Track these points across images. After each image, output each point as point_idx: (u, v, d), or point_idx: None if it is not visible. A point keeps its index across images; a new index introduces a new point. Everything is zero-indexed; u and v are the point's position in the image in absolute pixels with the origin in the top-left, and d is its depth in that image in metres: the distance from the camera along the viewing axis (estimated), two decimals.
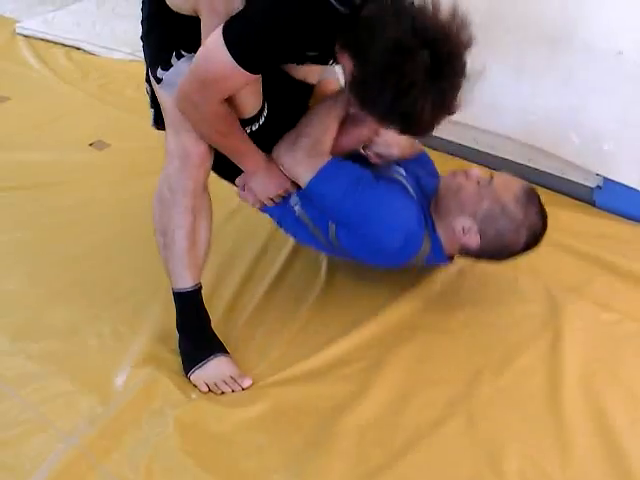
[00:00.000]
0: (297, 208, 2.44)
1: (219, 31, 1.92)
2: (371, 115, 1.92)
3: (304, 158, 2.32)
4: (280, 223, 2.54)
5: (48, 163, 3.43)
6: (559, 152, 2.87)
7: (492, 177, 2.36)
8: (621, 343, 2.43)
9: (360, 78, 1.85)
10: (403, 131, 1.95)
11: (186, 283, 2.32)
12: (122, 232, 2.96)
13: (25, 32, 4.80)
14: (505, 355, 2.40)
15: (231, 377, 2.28)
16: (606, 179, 3.02)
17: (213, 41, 1.95)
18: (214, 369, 2.29)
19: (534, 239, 2.36)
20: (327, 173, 2.31)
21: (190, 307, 2.37)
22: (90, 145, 3.56)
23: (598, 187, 3.02)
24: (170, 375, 2.32)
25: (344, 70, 1.97)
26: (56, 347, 2.44)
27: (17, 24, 4.90)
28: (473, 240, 2.34)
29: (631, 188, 2.94)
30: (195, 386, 2.28)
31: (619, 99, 2.83)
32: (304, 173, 2.32)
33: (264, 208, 2.50)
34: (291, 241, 2.82)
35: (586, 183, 3.05)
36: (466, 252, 2.42)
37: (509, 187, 2.34)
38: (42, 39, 4.73)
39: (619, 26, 2.71)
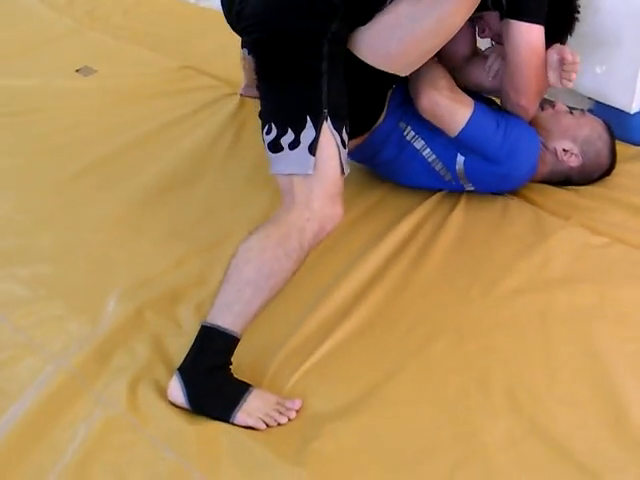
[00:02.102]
0: (418, 144, 2.63)
1: (526, 27, 2.44)
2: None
3: (454, 100, 2.53)
4: (389, 163, 2.68)
5: (34, 89, 3.40)
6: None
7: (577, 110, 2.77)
8: (610, 265, 2.43)
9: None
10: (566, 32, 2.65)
11: (237, 328, 2.04)
12: (109, 157, 2.94)
13: None
14: (494, 275, 2.40)
15: (278, 403, 2.04)
16: (597, 102, 3.01)
17: (529, 33, 2.45)
18: (258, 401, 2.03)
19: (613, 165, 2.77)
20: (478, 115, 2.53)
21: (224, 350, 2.06)
22: (76, 71, 3.52)
23: (590, 110, 3.01)
24: (162, 297, 2.32)
25: None
26: (46, 271, 2.43)
27: None
28: (574, 160, 2.67)
29: (622, 111, 2.92)
30: (249, 427, 1.99)
31: (612, 22, 2.80)
32: (459, 118, 2.52)
33: (385, 146, 2.62)
34: None
35: (577, 106, 3.03)
36: (559, 174, 2.72)
37: (596, 119, 2.75)
38: None
39: None
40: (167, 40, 3.81)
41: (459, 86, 2.60)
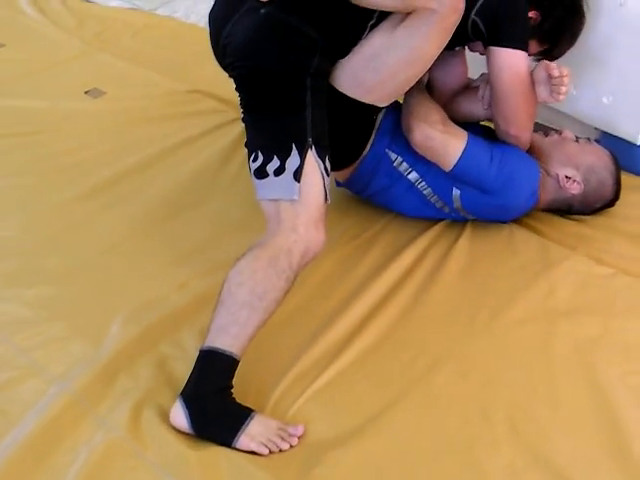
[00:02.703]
0: (413, 176, 2.61)
1: (509, 53, 2.44)
2: (550, 51, 2.64)
3: (447, 134, 2.51)
4: (383, 193, 2.67)
5: (43, 110, 3.40)
6: (557, 105, 2.86)
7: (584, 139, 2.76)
8: (614, 296, 2.44)
9: (551, 23, 2.57)
10: (564, 50, 2.67)
11: (235, 349, 2.05)
12: (116, 179, 2.94)
13: None
14: (498, 305, 2.40)
15: (280, 429, 2.03)
16: (604, 133, 3.01)
17: (510, 58, 2.45)
18: (260, 426, 2.02)
19: (617, 196, 2.74)
20: (471, 149, 2.51)
21: (225, 372, 2.07)
22: (86, 93, 3.53)
23: (596, 141, 3.01)
24: (165, 321, 2.32)
25: None
26: (50, 293, 2.43)
27: None
28: (576, 187, 2.64)
29: (628, 142, 2.93)
30: (251, 452, 1.99)
31: (620, 52, 2.81)
32: (452, 152, 2.50)
33: (375, 176, 2.62)
34: None
35: (584, 137, 3.03)
36: (561, 202, 2.69)
37: (603, 149, 2.73)
38: None
39: None
40: (175, 63, 3.82)
41: (454, 119, 2.60)
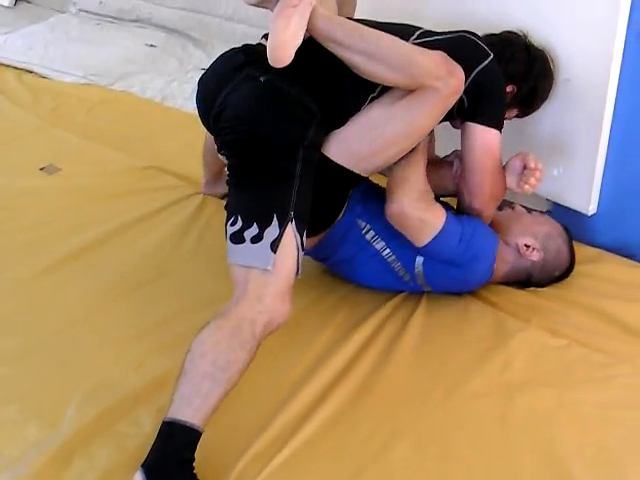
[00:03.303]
0: (379, 245, 2.63)
1: (484, 130, 2.54)
2: (532, 108, 2.81)
3: (426, 211, 2.54)
4: (347, 261, 2.69)
5: None
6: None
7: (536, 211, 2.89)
8: (569, 368, 2.45)
9: (526, 91, 2.73)
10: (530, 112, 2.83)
11: (197, 421, 2.02)
12: (72, 256, 2.93)
13: None
14: (454, 379, 2.41)
15: None
16: (555, 204, 3.06)
17: (485, 135, 2.55)
18: None
19: (572, 265, 2.79)
20: (444, 230, 2.53)
21: (187, 445, 2.03)
22: (41, 169, 3.52)
23: (547, 212, 3.06)
24: (123, 401, 2.29)
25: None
26: (4, 373, 2.40)
27: None
28: (536, 254, 2.68)
29: (579, 212, 2.97)
30: None
31: (568, 124, 2.87)
32: (429, 230, 2.52)
33: (343, 243, 2.65)
34: None
35: (536, 208, 3.08)
36: (520, 271, 2.73)
37: (554, 220, 2.82)
38: None
39: (566, 53, 2.76)
40: (131, 139, 3.82)
41: None
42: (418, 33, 2.58)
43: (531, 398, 2.34)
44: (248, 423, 2.24)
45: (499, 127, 2.57)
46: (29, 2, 5.67)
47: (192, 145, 3.42)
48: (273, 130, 2.35)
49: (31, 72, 4.58)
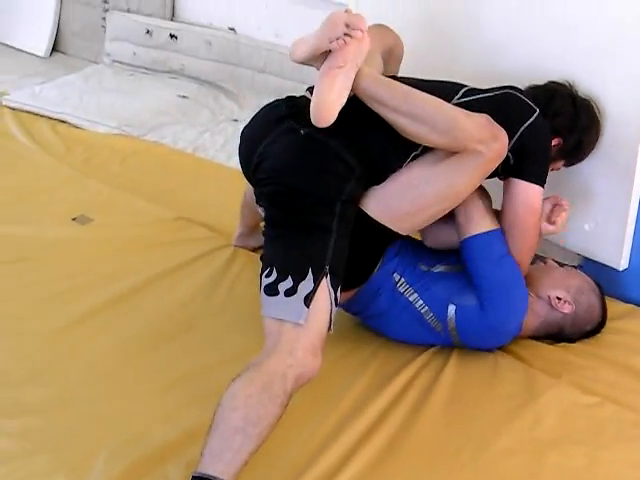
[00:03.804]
0: (412, 297, 2.62)
1: (527, 186, 2.57)
2: (579, 158, 2.81)
3: (488, 209, 2.62)
4: (381, 315, 2.68)
5: (30, 237, 3.40)
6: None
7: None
8: (600, 426, 2.43)
9: (572, 144, 2.73)
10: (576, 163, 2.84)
11: (227, 477, 2.02)
12: (103, 307, 2.93)
13: (12, 104, 4.79)
14: (484, 435, 2.39)
15: None
16: (586, 259, 3.05)
17: (528, 192, 2.57)
18: None
19: (604, 321, 2.78)
20: (498, 235, 2.59)
21: None
22: (73, 220, 3.54)
23: (579, 266, 3.05)
24: (152, 455, 2.29)
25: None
26: (35, 425, 2.40)
27: (4, 96, 4.92)
28: (567, 307, 2.68)
29: (611, 268, 2.95)
30: None
31: (600, 179, 2.86)
32: (484, 223, 2.59)
33: (377, 298, 2.63)
34: None
35: (566, 262, 3.07)
36: (552, 324, 2.72)
37: (585, 275, 2.81)
38: (28, 112, 4.72)
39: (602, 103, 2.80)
40: (162, 190, 3.85)
41: (434, 244, 2.74)
42: (463, 91, 2.61)
43: (561, 456, 2.32)
44: (277, 479, 2.23)
45: (542, 183, 2.59)
46: (64, 53, 5.73)
47: (223, 196, 3.45)
48: (311, 184, 2.38)
49: (65, 122, 4.62)
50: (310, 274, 2.28)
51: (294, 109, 2.48)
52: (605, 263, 2.98)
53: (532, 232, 2.63)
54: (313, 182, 2.39)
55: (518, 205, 2.58)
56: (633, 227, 2.90)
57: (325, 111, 2.30)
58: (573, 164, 2.84)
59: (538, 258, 2.85)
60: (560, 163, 2.80)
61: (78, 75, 5.26)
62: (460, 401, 2.53)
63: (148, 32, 5.22)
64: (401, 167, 2.49)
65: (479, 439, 2.37)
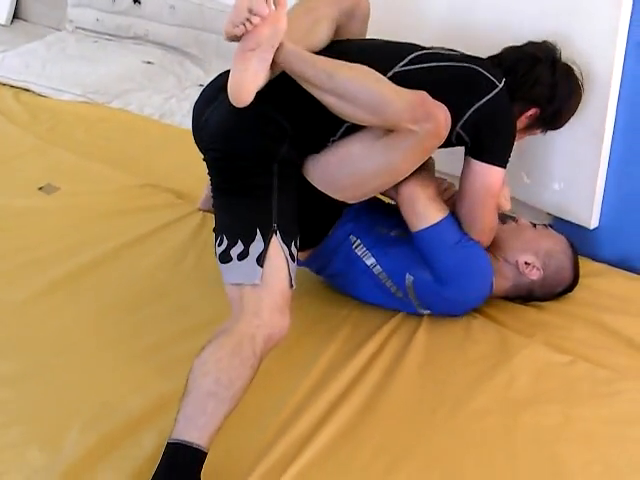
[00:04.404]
0: (369, 261, 2.62)
1: (487, 168, 2.50)
2: (557, 126, 2.75)
3: (433, 199, 2.55)
4: (341, 275, 2.70)
5: None
6: (511, 192, 2.89)
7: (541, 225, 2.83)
8: (574, 384, 2.44)
9: (550, 113, 2.65)
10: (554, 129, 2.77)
11: (203, 442, 2.02)
12: (71, 277, 2.90)
13: None
14: (459, 396, 2.39)
15: None
16: (557, 218, 3.05)
17: (486, 173, 2.50)
18: None
19: (576, 281, 2.77)
20: (447, 224, 2.55)
21: (192, 466, 2.03)
22: (39, 189, 3.50)
23: (550, 226, 3.04)
24: (124, 424, 2.27)
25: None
26: (5, 397, 2.38)
27: None
28: (535, 273, 2.67)
29: (581, 226, 2.95)
30: None
31: (570, 139, 2.86)
32: (430, 215, 2.53)
33: (334, 257, 2.64)
34: None
35: (540, 223, 3.07)
36: (521, 288, 2.71)
37: (559, 235, 2.77)
38: None
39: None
40: (129, 157, 3.81)
41: None
42: (411, 57, 2.52)
43: (536, 415, 2.32)
44: (251, 444, 2.22)
45: (504, 164, 2.54)
46: (25, 20, 5.65)
47: (190, 162, 3.38)
48: (245, 146, 2.39)
49: (28, 90, 4.55)
50: (259, 234, 2.29)
51: None
52: (576, 222, 2.98)
53: (492, 212, 2.60)
54: (247, 145, 2.39)
55: (477, 187, 2.53)
56: (603, 186, 2.90)
57: (240, 93, 2.28)
58: (551, 130, 2.78)
59: (510, 217, 2.83)
60: (537, 131, 2.75)
61: (40, 42, 5.19)
62: (433, 363, 2.52)
63: None
64: (335, 135, 2.46)
65: (454, 400, 2.37)
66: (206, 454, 2.03)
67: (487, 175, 2.51)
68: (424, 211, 2.54)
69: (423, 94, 2.33)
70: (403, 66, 2.49)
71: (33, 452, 2.18)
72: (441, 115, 2.31)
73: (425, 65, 2.52)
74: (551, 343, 2.59)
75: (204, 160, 2.53)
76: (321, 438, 2.23)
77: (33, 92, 4.54)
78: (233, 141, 2.41)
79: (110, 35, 5.22)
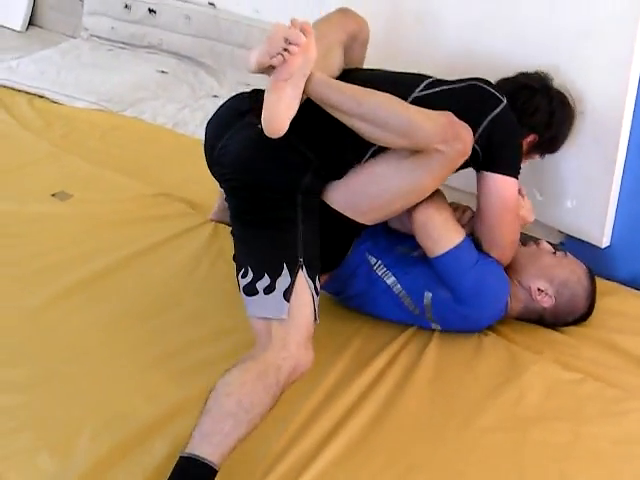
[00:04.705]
0: (389, 280, 2.63)
1: (500, 179, 2.52)
2: (554, 150, 2.83)
3: (449, 223, 2.56)
4: (360, 295, 2.69)
5: (9, 213, 3.37)
6: None
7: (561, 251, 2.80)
8: (583, 402, 2.44)
9: (547, 139, 2.74)
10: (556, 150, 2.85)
11: (215, 459, 2.03)
12: (84, 284, 2.91)
13: None
14: (467, 412, 2.40)
15: None
16: (568, 236, 3.05)
17: (501, 185, 2.52)
18: None
19: (590, 311, 2.75)
20: (465, 246, 2.55)
21: None
22: (52, 195, 3.51)
23: (561, 244, 3.06)
24: (136, 432, 2.27)
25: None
26: (18, 402, 2.38)
27: None
28: (547, 301, 2.66)
29: (593, 245, 2.96)
30: None
31: (583, 157, 2.86)
32: (447, 240, 2.53)
33: (353, 279, 2.66)
34: None
35: (548, 240, 3.07)
36: (532, 312, 2.71)
37: (579, 263, 2.74)
38: (5, 86, 4.67)
39: (582, 84, 2.77)
40: (142, 166, 3.82)
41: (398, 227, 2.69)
42: (425, 84, 2.57)
43: (544, 432, 2.33)
44: (260, 455, 2.23)
45: (516, 175, 2.56)
46: (41, 27, 5.68)
47: (203, 173, 3.39)
48: (268, 177, 2.39)
49: (43, 97, 4.58)
50: (285, 269, 2.30)
51: (256, 103, 2.43)
52: (587, 241, 2.99)
53: (511, 226, 2.61)
54: (270, 176, 2.39)
55: (493, 200, 2.55)
56: (615, 204, 2.91)
57: (275, 123, 2.29)
58: (548, 154, 2.84)
59: (531, 239, 2.84)
60: (536, 156, 2.81)
61: (55, 50, 5.22)
62: (443, 378, 2.53)
63: (126, 6, 5.18)
64: (360, 162, 2.48)
65: (463, 416, 2.38)
66: (217, 472, 2.04)
67: (501, 187, 2.53)
68: (438, 237, 2.54)
69: (450, 115, 2.35)
70: (421, 91, 2.53)
71: (44, 458, 2.19)
72: (468, 135, 2.35)
73: (438, 89, 2.56)
74: (561, 361, 2.59)
75: (223, 188, 2.54)
76: (330, 450, 2.24)
77: (47, 99, 4.56)
78: (256, 172, 2.40)
79: (124, 44, 5.24)
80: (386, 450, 2.27)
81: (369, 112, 2.34)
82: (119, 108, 4.46)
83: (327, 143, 2.45)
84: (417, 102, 2.45)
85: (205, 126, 2.65)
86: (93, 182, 3.63)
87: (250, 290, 2.31)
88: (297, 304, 2.28)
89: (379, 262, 2.64)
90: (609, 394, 2.46)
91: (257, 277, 2.30)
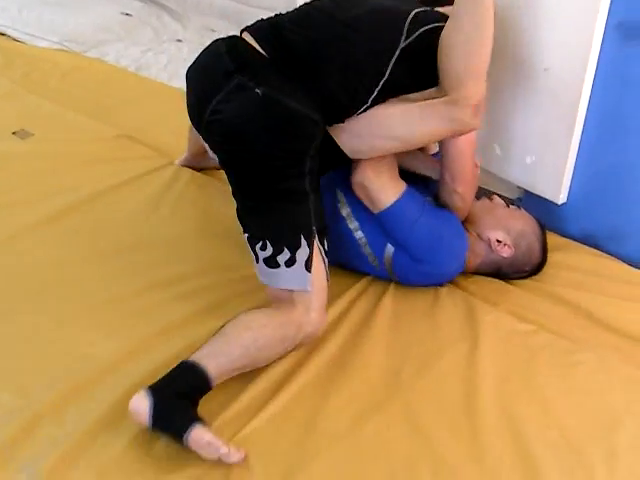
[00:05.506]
0: (352, 225, 2.66)
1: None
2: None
3: (386, 182, 2.56)
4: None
5: None
6: (482, 163, 2.92)
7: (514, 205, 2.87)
8: (535, 353, 2.48)
9: None
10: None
11: (212, 374, 2.13)
12: (44, 222, 2.92)
13: None
14: (423, 360, 2.43)
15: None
16: (527, 192, 3.09)
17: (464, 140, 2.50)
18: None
19: (544, 261, 2.82)
20: (404, 200, 2.57)
21: (197, 389, 2.13)
22: (13, 134, 3.50)
23: (519, 199, 3.09)
24: (95, 370, 2.28)
25: None
26: None
27: None
28: (506, 251, 2.71)
29: (550, 201, 3.00)
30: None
31: (543, 114, 2.89)
32: (384, 199, 2.55)
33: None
34: None
35: (506, 195, 3.11)
36: (489, 264, 2.76)
37: (530, 216, 2.81)
38: None
39: (546, 43, 2.78)
40: (104, 107, 3.82)
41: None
42: (407, 27, 2.43)
43: (497, 381, 2.36)
44: (219, 393, 2.23)
45: None
46: None
47: (165, 116, 3.43)
48: (278, 148, 2.30)
49: (4, 35, 4.53)
50: (303, 240, 2.33)
51: (239, 60, 2.34)
52: (545, 197, 3.02)
53: (471, 162, 2.64)
54: (279, 147, 2.30)
55: (457, 139, 2.55)
56: (573, 161, 2.93)
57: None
58: None
59: (484, 194, 2.88)
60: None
61: None
62: (400, 327, 2.56)
63: None
64: (361, 109, 2.41)
65: (418, 363, 2.41)
66: (210, 387, 2.14)
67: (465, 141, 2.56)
68: (377, 195, 2.56)
69: (474, 93, 2.34)
70: (405, 40, 2.43)
71: (3, 396, 2.20)
72: (483, 104, 2.38)
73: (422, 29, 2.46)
74: (515, 313, 2.63)
75: (218, 158, 2.41)
76: (289, 390, 2.27)
77: (8, 37, 4.52)
78: (265, 141, 2.29)
79: None
80: (344, 393, 2.29)
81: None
82: (82, 49, 4.44)
83: (331, 96, 2.37)
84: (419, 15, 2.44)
85: (186, 81, 2.50)
86: (54, 121, 3.62)
87: (271, 263, 2.34)
88: (315, 272, 2.35)
89: (345, 200, 2.66)
90: (560, 345, 2.51)
91: (277, 251, 2.33)
